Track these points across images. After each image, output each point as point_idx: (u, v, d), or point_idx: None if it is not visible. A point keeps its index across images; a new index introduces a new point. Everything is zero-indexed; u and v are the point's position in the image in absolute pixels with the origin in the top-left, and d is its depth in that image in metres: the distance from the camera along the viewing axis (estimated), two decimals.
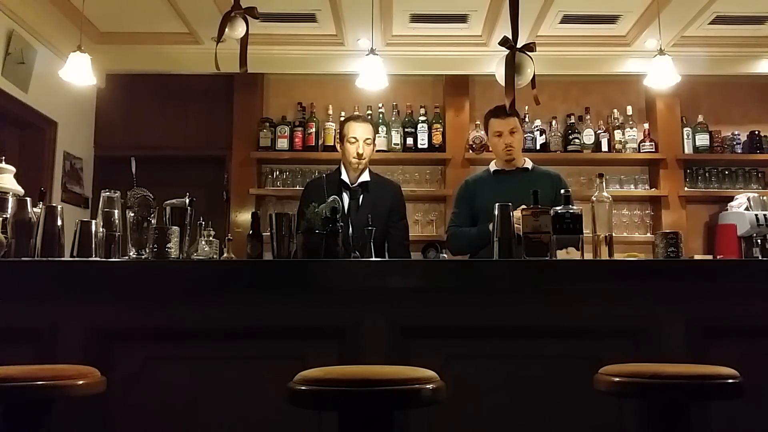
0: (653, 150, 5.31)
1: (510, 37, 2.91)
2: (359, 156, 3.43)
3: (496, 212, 2.35)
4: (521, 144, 3.40)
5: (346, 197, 3.37)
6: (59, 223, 2.25)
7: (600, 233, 2.39)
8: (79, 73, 3.78)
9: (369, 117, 5.04)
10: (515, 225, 2.33)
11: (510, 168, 3.36)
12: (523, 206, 2.40)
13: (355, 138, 3.43)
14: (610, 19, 4.87)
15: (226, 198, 4.98)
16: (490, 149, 3.55)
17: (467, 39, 5.11)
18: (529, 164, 3.39)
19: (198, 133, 5.53)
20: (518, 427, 2.06)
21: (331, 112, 5.32)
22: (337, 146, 3.59)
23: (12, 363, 1.75)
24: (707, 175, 5.40)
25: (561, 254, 2.23)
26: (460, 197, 3.42)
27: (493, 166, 3.43)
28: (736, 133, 5.38)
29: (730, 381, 1.63)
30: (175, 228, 2.22)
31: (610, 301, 2.11)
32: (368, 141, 3.49)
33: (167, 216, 2.35)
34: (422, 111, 5.38)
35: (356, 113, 4.82)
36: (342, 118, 5.07)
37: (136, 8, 4.70)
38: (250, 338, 2.07)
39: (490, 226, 2.99)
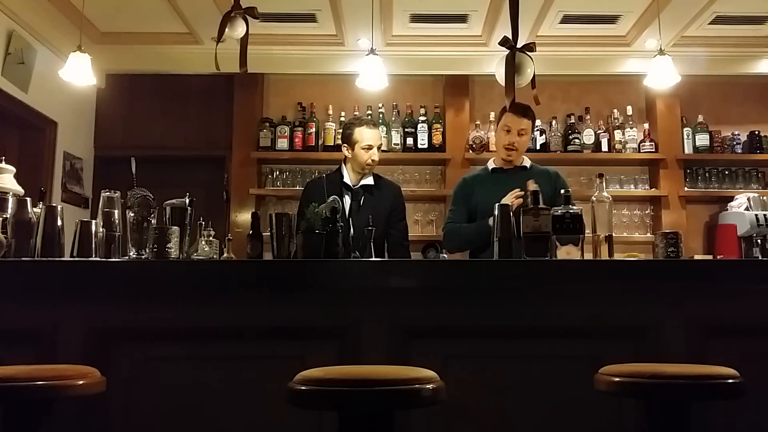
0: (653, 150, 5.31)
1: (510, 37, 2.91)
2: (373, 163, 3.43)
3: (496, 212, 2.35)
4: (525, 147, 3.34)
5: (347, 198, 3.37)
6: (59, 223, 2.25)
7: (600, 233, 2.39)
8: (79, 73, 3.78)
9: (371, 118, 5.01)
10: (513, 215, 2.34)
11: (508, 166, 3.34)
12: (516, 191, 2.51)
13: (370, 145, 3.41)
14: (610, 19, 4.87)
15: (226, 198, 4.97)
16: (492, 147, 3.52)
17: (467, 39, 5.11)
18: (527, 163, 3.36)
19: (198, 133, 5.53)
20: (518, 427, 2.06)
21: (331, 112, 5.31)
22: (344, 150, 3.49)
23: (12, 363, 1.75)
24: (707, 175, 5.40)
25: (561, 254, 2.23)
26: (458, 195, 3.38)
27: (491, 164, 3.39)
28: (736, 133, 5.39)
29: (730, 381, 1.63)
30: (175, 228, 2.22)
31: (610, 301, 2.11)
32: (380, 146, 3.50)
33: (167, 216, 2.34)
34: (422, 111, 5.38)
35: (365, 117, 4.77)
36: (343, 119, 5.11)
37: (136, 8, 4.70)
38: (250, 338, 2.07)
39: (490, 221, 3.02)
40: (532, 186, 2.84)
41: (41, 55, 4.68)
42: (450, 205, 3.46)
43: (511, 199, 2.91)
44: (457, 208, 3.35)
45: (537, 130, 5.28)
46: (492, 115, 5.25)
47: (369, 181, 3.47)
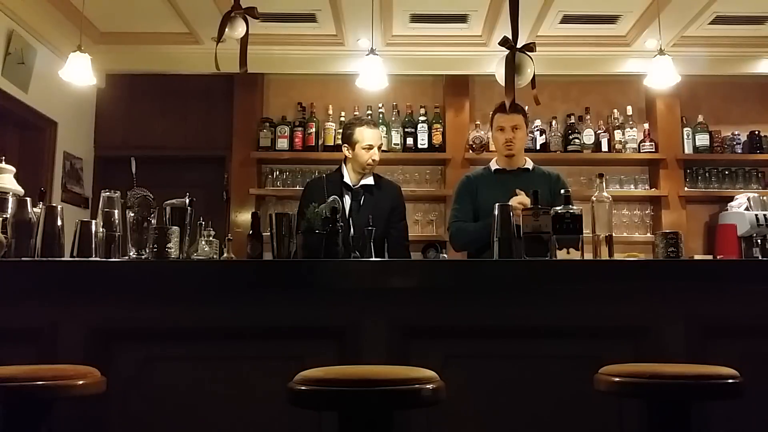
0: (653, 150, 5.31)
1: (510, 37, 2.91)
2: (374, 162, 3.43)
3: (496, 212, 2.35)
4: (523, 142, 3.34)
5: (347, 198, 3.37)
6: (59, 223, 2.24)
7: (600, 233, 2.39)
8: (79, 73, 3.78)
9: (371, 118, 5.01)
10: (514, 218, 2.34)
11: (511, 168, 3.34)
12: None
13: (370, 145, 3.41)
14: (610, 19, 4.87)
15: (226, 198, 4.98)
16: (492, 147, 3.52)
17: (467, 39, 5.11)
18: (530, 164, 3.36)
19: (198, 133, 5.53)
20: (518, 427, 2.06)
21: (331, 112, 5.32)
22: (345, 150, 3.49)
23: (12, 363, 1.75)
24: (707, 175, 5.40)
25: (561, 254, 2.23)
26: (462, 191, 3.36)
27: (494, 165, 3.38)
28: (736, 133, 5.39)
29: (730, 381, 1.63)
30: (175, 228, 2.22)
31: (610, 301, 2.11)
32: (381, 146, 3.50)
33: (167, 216, 2.34)
34: (422, 111, 5.38)
35: (365, 117, 4.77)
36: (343, 119, 5.11)
37: (136, 8, 4.71)
38: (250, 338, 2.07)
39: None
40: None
41: (41, 55, 4.68)
42: (453, 203, 3.42)
43: (516, 203, 2.90)
44: (461, 206, 3.33)
45: (537, 130, 5.29)
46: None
47: (369, 181, 3.46)
